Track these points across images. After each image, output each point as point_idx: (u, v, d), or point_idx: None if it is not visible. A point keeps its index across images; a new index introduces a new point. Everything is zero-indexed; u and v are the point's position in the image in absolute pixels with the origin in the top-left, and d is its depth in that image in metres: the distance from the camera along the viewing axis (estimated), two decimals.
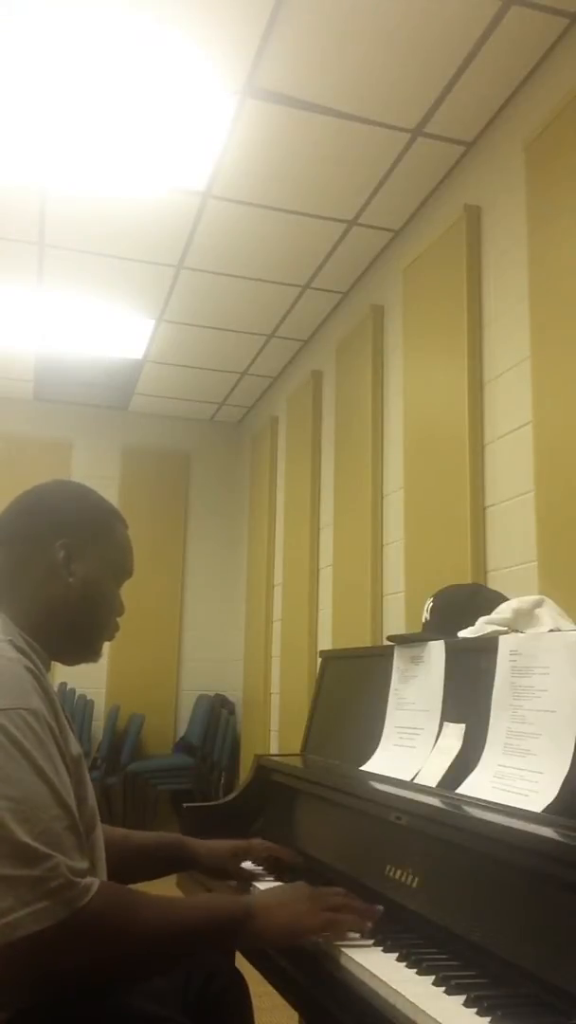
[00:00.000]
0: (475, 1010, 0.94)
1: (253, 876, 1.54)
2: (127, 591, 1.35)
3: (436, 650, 1.59)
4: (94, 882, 1.00)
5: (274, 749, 4.92)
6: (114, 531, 1.31)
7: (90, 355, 5.28)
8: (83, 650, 1.29)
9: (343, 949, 1.15)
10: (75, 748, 1.16)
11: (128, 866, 1.35)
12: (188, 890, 1.65)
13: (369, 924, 1.19)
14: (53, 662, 1.28)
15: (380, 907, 1.22)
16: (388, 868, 1.33)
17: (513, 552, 2.71)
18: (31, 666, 1.11)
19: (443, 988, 1.00)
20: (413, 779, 1.48)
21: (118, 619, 1.33)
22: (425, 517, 3.24)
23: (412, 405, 3.45)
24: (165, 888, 1.33)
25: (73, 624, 1.24)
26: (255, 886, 1.50)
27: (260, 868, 1.59)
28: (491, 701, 1.38)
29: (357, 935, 1.18)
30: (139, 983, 1.17)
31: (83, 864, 1.01)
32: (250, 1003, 1.45)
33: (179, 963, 1.16)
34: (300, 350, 5.14)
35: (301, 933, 1.15)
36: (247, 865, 1.57)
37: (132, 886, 1.12)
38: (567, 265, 2.49)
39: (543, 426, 2.56)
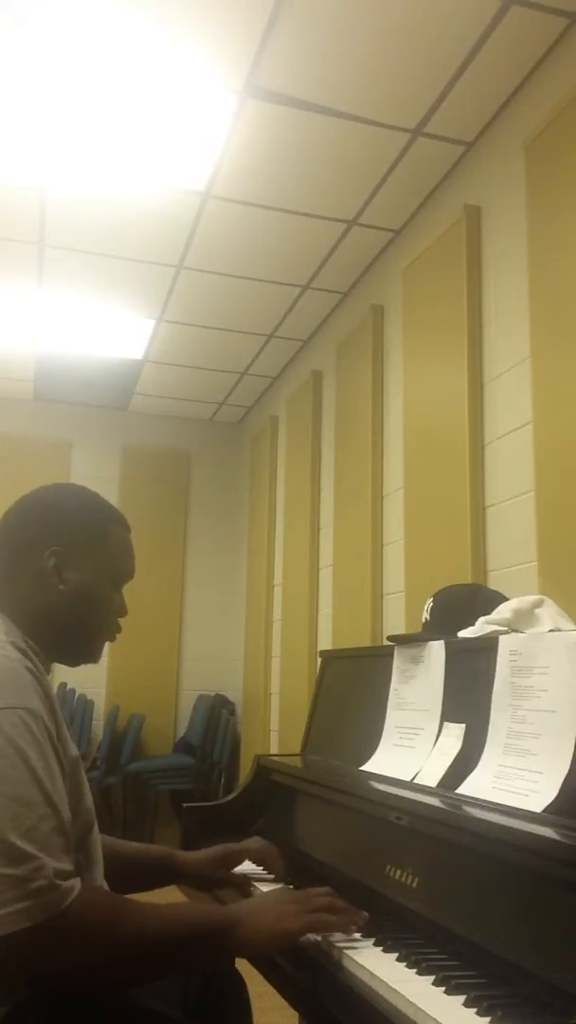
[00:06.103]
0: (475, 1010, 0.94)
1: (247, 880, 1.51)
2: (126, 590, 1.34)
3: (436, 650, 1.59)
4: (76, 885, 1.00)
5: (274, 749, 4.91)
6: (108, 535, 1.31)
7: (90, 355, 5.28)
8: (82, 652, 1.30)
9: (343, 950, 1.15)
10: (73, 750, 1.17)
11: (120, 877, 1.33)
12: (191, 898, 1.64)
13: (354, 928, 1.17)
14: (54, 663, 1.29)
15: (366, 913, 1.20)
16: (388, 868, 1.33)
17: (513, 552, 2.71)
18: (31, 667, 1.12)
19: (443, 988, 1.00)
20: (413, 779, 1.48)
21: (120, 620, 1.33)
22: (425, 517, 3.24)
23: (412, 405, 3.44)
24: (168, 895, 1.32)
25: (69, 628, 1.25)
26: (254, 888, 1.49)
27: (259, 869, 1.59)
28: (491, 701, 1.38)
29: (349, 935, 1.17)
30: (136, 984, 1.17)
31: (68, 866, 1.00)
32: (250, 1003, 1.45)
33: (168, 971, 1.12)
34: (300, 350, 5.14)
35: (284, 937, 1.13)
36: (243, 868, 1.54)
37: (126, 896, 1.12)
38: (567, 265, 2.49)
39: (543, 426, 2.56)
